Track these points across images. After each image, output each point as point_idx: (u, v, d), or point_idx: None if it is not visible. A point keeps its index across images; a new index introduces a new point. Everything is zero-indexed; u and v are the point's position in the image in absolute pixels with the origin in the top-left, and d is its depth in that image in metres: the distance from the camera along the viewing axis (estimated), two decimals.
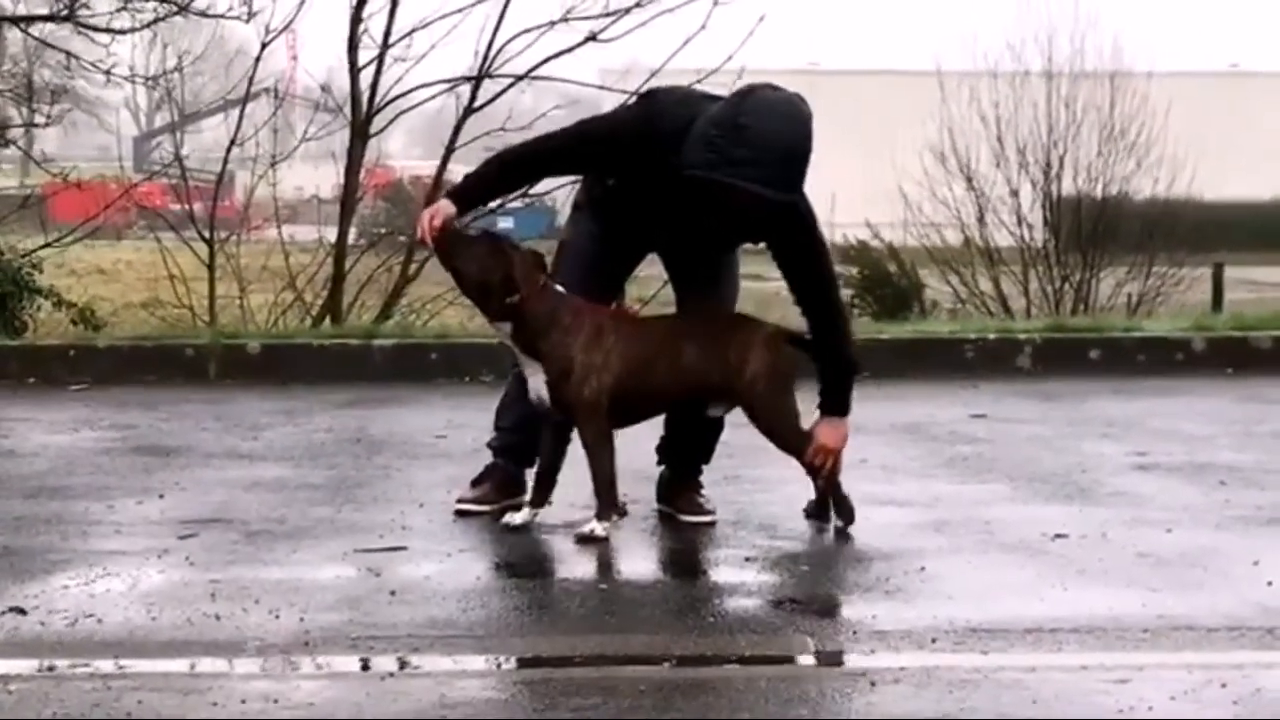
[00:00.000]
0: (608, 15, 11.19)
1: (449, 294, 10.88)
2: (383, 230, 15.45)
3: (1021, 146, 16.87)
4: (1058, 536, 5.38)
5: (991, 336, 9.75)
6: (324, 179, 15.99)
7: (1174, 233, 16.42)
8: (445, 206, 5.51)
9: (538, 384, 5.41)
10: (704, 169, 5.17)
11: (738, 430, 5.62)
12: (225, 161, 12.49)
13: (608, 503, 5.42)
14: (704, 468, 5.86)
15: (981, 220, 16.44)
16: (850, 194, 29.83)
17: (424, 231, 5.47)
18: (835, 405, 5.56)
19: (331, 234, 12.31)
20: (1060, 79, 17.37)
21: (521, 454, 5.83)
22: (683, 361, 5.40)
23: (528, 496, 5.63)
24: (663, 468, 5.88)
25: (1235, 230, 24.31)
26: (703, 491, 5.83)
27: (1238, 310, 11.82)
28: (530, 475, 5.71)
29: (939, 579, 4.89)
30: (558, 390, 5.37)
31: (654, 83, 11.41)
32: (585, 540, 5.35)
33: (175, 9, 11.77)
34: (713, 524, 5.67)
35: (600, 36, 11.03)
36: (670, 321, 5.73)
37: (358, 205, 12.86)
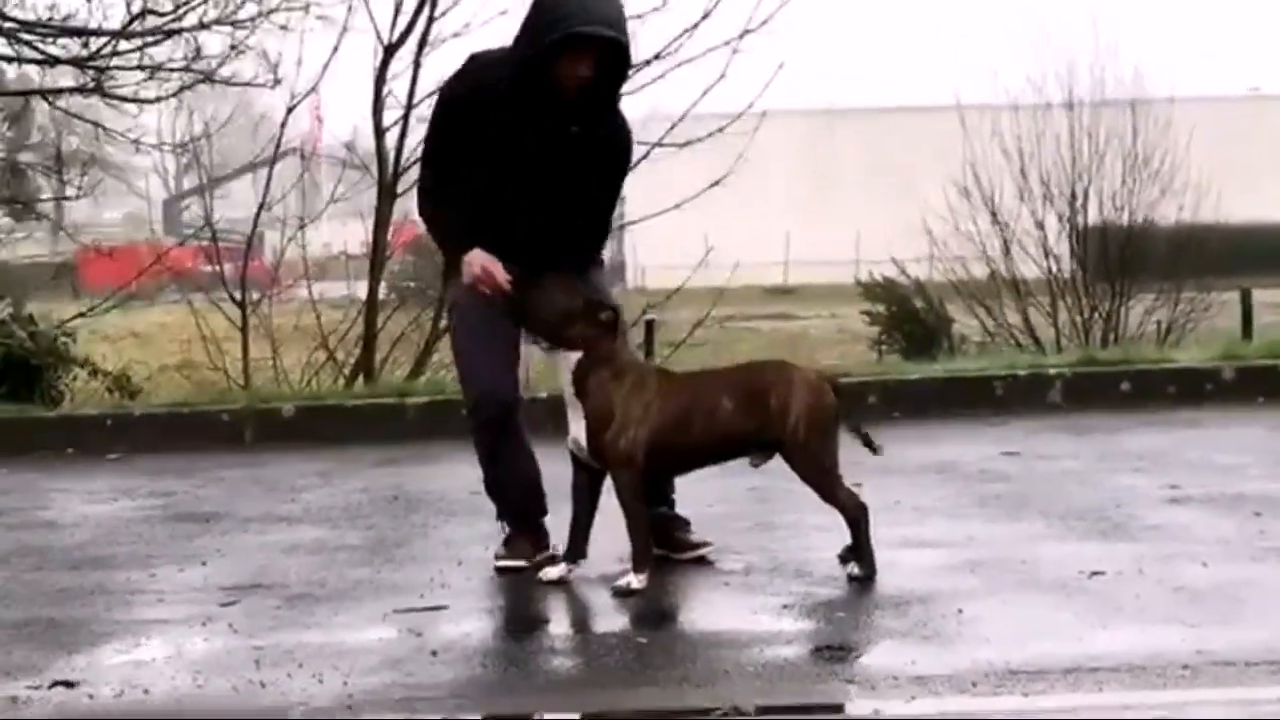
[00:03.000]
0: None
1: None
2: (411, 284, 15.53)
3: (1045, 178, 16.83)
4: (1094, 574, 5.39)
5: (1022, 373, 9.77)
6: (352, 235, 16.10)
7: (1201, 258, 16.37)
8: (481, 255, 5.66)
9: (578, 430, 5.48)
10: (532, 47, 5.49)
11: (771, 476, 5.65)
12: (255, 226, 12.59)
13: (644, 556, 5.47)
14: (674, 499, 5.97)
15: (1007, 253, 16.42)
16: (874, 231, 29.89)
17: (498, 284, 5.61)
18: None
19: (361, 289, 12.40)
20: (1082, 109, 17.34)
21: (536, 510, 5.96)
22: (720, 415, 5.45)
23: (562, 550, 5.67)
24: None
25: (1262, 252, 24.24)
26: (690, 527, 5.91)
27: (1268, 338, 11.79)
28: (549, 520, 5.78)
29: (977, 621, 4.91)
30: (596, 439, 5.43)
31: (676, 134, 11.63)
32: (622, 594, 5.39)
33: (201, 78, 11.89)
34: (709, 559, 5.79)
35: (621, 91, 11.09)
36: (709, 376, 5.81)
37: (388, 261, 12.93)
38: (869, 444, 5.63)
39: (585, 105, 5.62)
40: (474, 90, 5.74)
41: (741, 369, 5.76)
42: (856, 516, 5.49)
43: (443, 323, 11.89)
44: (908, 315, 15.96)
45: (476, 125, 5.71)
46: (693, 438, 5.48)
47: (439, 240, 5.99)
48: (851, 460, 5.63)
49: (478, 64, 5.81)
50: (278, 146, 12.78)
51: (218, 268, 12.64)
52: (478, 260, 5.68)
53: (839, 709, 4.25)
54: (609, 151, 5.78)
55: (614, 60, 5.59)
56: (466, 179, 5.80)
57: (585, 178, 5.73)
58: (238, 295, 12.22)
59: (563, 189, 5.71)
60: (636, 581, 5.42)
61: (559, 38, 5.45)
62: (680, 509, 6.04)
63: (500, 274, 5.64)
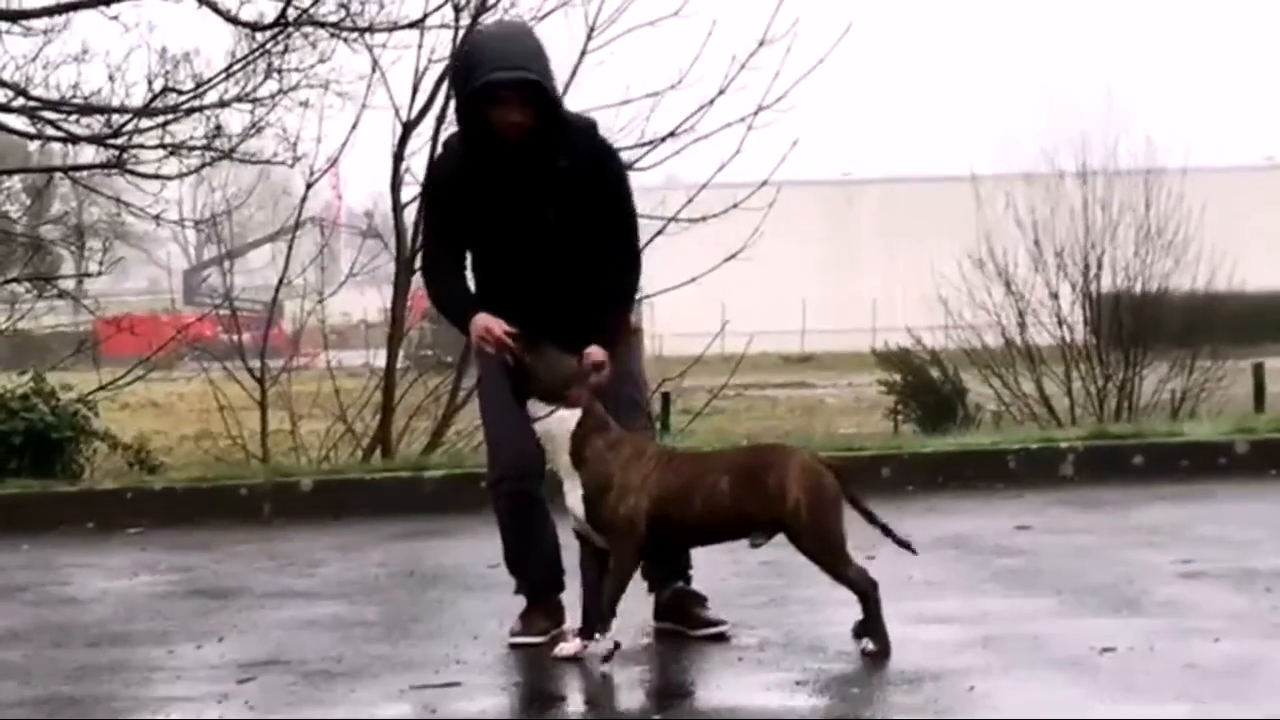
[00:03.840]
0: (642, 145, 11.38)
1: None
2: (429, 351, 15.60)
3: (1059, 249, 16.92)
4: (1105, 650, 5.41)
5: (1034, 446, 9.80)
6: (370, 303, 16.19)
7: (1215, 327, 16.41)
8: (484, 317, 5.71)
9: (574, 501, 5.53)
10: (460, 99, 5.71)
11: (786, 550, 5.68)
12: (275, 300, 12.69)
13: (602, 620, 5.51)
14: (692, 574, 5.99)
15: (1022, 323, 16.47)
16: (891, 299, 29.98)
17: (500, 339, 5.65)
18: (607, 339, 5.72)
19: (378, 358, 12.48)
20: (1095, 179, 17.44)
21: (553, 584, 5.99)
22: (718, 494, 5.50)
23: (576, 626, 5.71)
24: (655, 592, 6.00)
25: (1277, 321, 24.24)
26: (706, 603, 5.95)
27: None
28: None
29: (988, 698, 4.93)
30: (593, 507, 5.49)
31: (692, 207, 11.71)
32: (563, 658, 5.49)
33: (221, 155, 12.03)
34: (725, 635, 5.80)
35: (636, 166, 11.20)
36: (708, 456, 5.88)
37: (406, 335, 13.02)
38: (902, 544, 5.67)
39: (541, 145, 5.68)
40: (450, 169, 5.89)
41: (742, 450, 5.85)
42: (866, 592, 5.52)
43: (461, 394, 12.01)
44: (923, 385, 16.02)
45: (464, 202, 5.80)
46: (691, 514, 5.52)
47: (445, 314, 6.08)
48: (864, 534, 5.67)
49: (449, 145, 5.99)
50: (297, 222, 12.91)
51: (236, 338, 12.74)
52: (480, 322, 5.74)
53: None
54: (597, 171, 5.79)
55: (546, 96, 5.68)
56: (463, 255, 5.89)
57: (584, 211, 5.77)
58: (256, 366, 12.31)
59: (570, 229, 5.76)
60: (576, 647, 5.50)
61: (477, 89, 5.59)
62: (695, 582, 6.08)
63: (498, 329, 5.67)
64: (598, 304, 5.77)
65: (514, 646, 5.87)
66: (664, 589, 6.01)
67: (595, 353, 5.66)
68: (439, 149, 6.05)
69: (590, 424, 5.54)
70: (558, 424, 5.58)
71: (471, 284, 5.97)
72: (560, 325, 5.70)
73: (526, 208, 5.74)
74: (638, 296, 6.08)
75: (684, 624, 5.93)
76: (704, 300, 14.26)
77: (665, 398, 12.44)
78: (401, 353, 13.23)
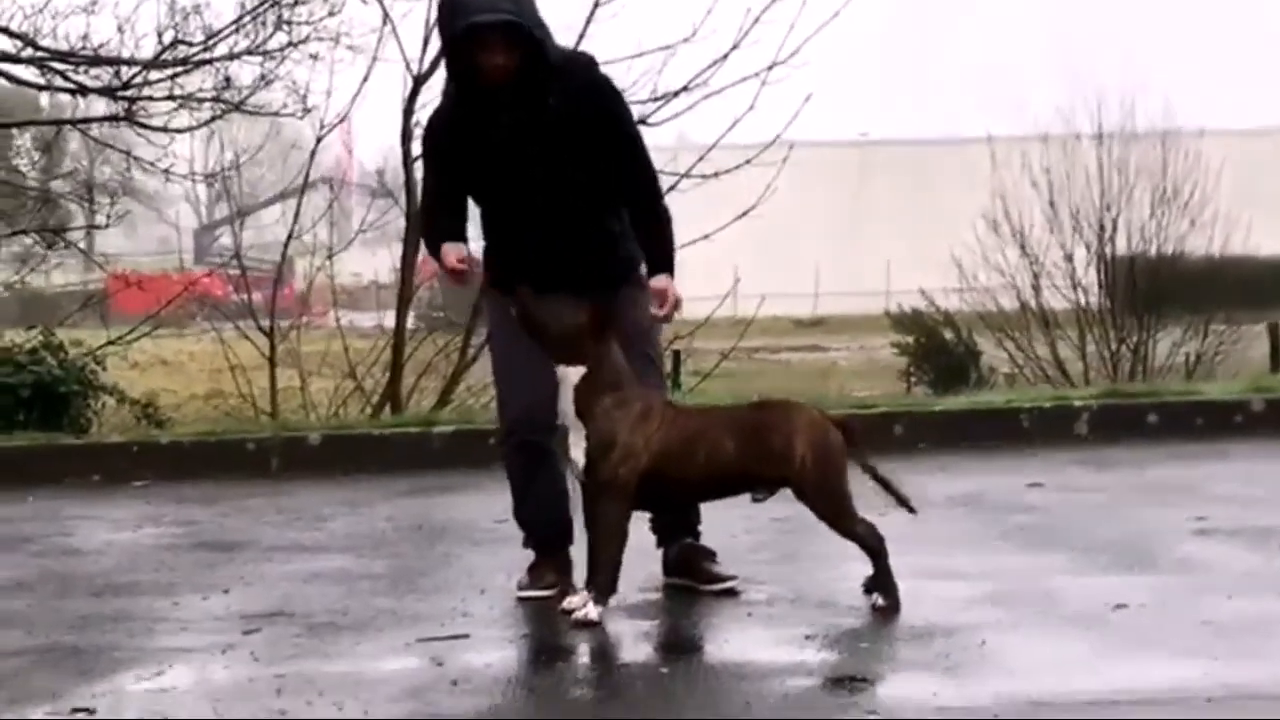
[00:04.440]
0: (656, 100, 11.30)
1: None
2: (440, 313, 15.56)
3: (1074, 210, 16.83)
4: (1118, 607, 5.36)
5: (1047, 405, 9.74)
6: (381, 264, 16.15)
7: (1229, 290, 16.34)
8: (451, 248, 5.73)
9: (578, 454, 5.48)
10: (445, 44, 5.67)
11: (795, 506, 5.62)
12: (284, 255, 12.65)
13: (607, 586, 5.45)
14: (701, 530, 5.96)
15: (1036, 286, 16.40)
16: (904, 262, 29.88)
17: (455, 270, 5.72)
18: (667, 264, 5.71)
19: (389, 318, 12.43)
20: (1111, 141, 17.34)
21: (562, 540, 5.95)
22: (723, 450, 5.44)
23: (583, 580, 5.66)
24: (664, 547, 5.95)
25: None
26: (715, 558, 5.90)
27: None
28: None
29: (999, 653, 4.88)
30: (594, 464, 5.43)
31: (704, 165, 11.63)
32: (580, 625, 5.38)
33: (231, 107, 11.97)
34: (735, 590, 5.75)
35: (649, 121, 11.12)
36: (715, 412, 5.83)
37: (416, 292, 12.97)
38: (903, 503, 5.61)
39: (530, 89, 5.61)
40: (445, 116, 5.84)
41: (747, 407, 5.79)
42: (875, 548, 5.48)
43: (470, 351, 11.97)
44: (937, 347, 15.98)
45: (459, 150, 5.76)
46: (694, 471, 5.46)
47: (428, 249, 6.04)
48: (877, 490, 5.61)
49: (447, 92, 5.89)
50: (306, 176, 12.84)
51: (246, 297, 12.70)
52: (448, 250, 5.74)
53: None
54: (592, 106, 5.69)
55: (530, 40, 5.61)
56: (457, 201, 5.85)
57: (591, 145, 5.69)
58: (265, 324, 12.27)
59: (563, 171, 5.69)
60: (595, 613, 5.40)
61: (459, 33, 5.52)
62: (705, 539, 6.04)
63: (451, 259, 5.70)
64: (648, 258, 5.72)
65: (522, 600, 5.83)
66: (672, 544, 5.97)
67: (662, 283, 5.62)
68: (441, 98, 5.96)
69: (598, 380, 5.47)
70: (564, 377, 5.53)
71: (481, 236, 5.92)
72: (562, 272, 5.64)
73: (514, 151, 5.67)
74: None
75: (693, 579, 5.88)
76: (716, 263, 14.19)
77: (676, 356, 12.39)
78: (413, 313, 13.20)
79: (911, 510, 5.64)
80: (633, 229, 5.78)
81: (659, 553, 5.97)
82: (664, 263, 5.73)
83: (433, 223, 5.94)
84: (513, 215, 5.76)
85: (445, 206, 5.88)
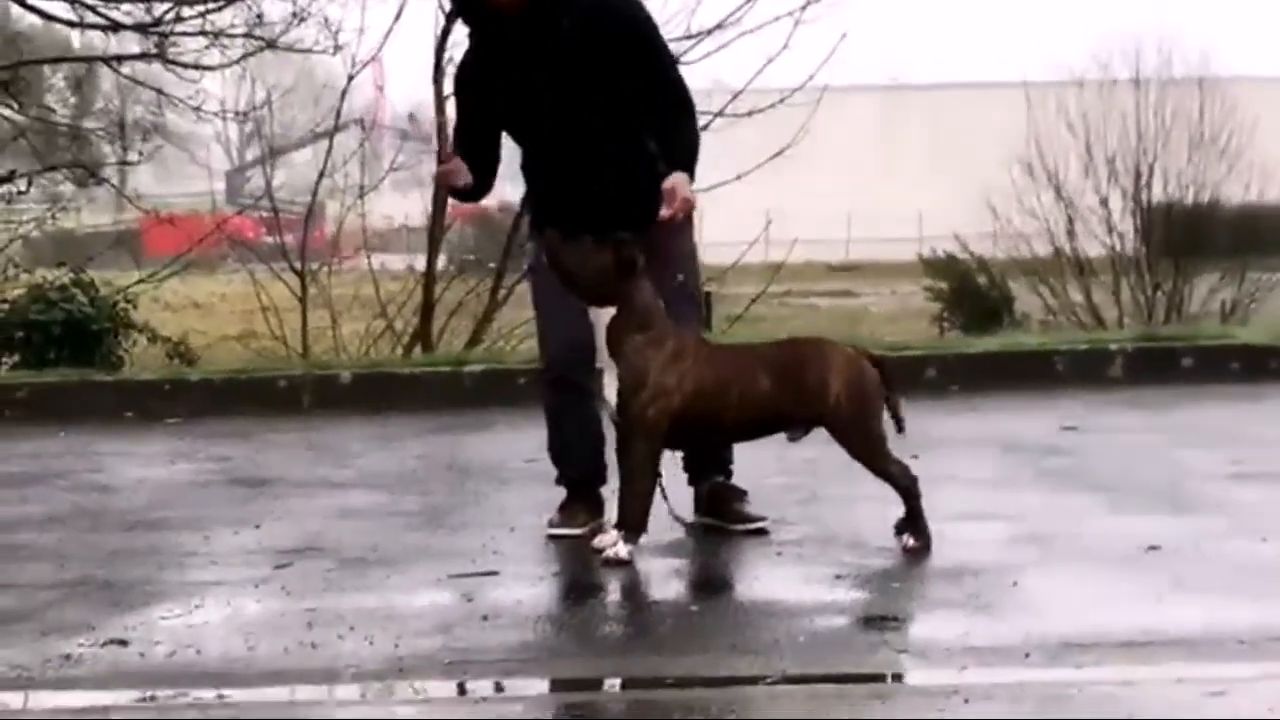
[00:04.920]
0: (689, 38, 11.24)
1: None
2: (471, 256, 15.56)
3: (1110, 155, 16.73)
4: (1151, 548, 5.33)
5: (1082, 347, 9.68)
6: (413, 207, 16.14)
7: (1267, 237, 16.23)
8: (457, 161, 5.77)
9: (611, 393, 5.46)
10: None
11: (827, 448, 5.60)
12: (315, 194, 12.64)
13: (637, 525, 5.43)
14: (733, 469, 5.94)
15: (1071, 231, 16.30)
16: (938, 208, 29.73)
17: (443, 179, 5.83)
18: (686, 168, 5.62)
19: (421, 261, 12.43)
20: (1148, 86, 17.21)
21: (595, 479, 5.94)
22: (757, 390, 5.41)
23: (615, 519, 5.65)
24: (695, 485, 5.93)
25: None
26: (746, 498, 5.87)
27: None
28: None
29: (1031, 593, 4.86)
30: (625, 403, 5.41)
31: (735, 104, 11.58)
32: (611, 563, 5.37)
33: (263, 44, 11.93)
34: (765, 530, 5.74)
35: (682, 59, 11.06)
36: (748, 350, 5.77)
37: (446, 233, 12.96)
38: (897, 418, 5.56)
39: (541, 11, 5.56)
40: (468, 56, 5.84)
41: (781, 345, 5.73)
42: (908, 487, 5.45)
43: (502, 292, 11.97)
44: (970, 292, 15.91)
45: (483, 82, 5.73)
46: (727, 410, 5.43)
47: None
48: (909, 432, 5.58)
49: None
50: (338, 115, 12.82)
51: (278, 237, 12.71)
52: (450, 163, 5.77)
53: (890, 679, 4.21)
54: (609, 20, 5.63)
55: None
56: (487, 135, 5.81)
57: (611, 65, 5.62)
58: (298, 265, 12.28)
59: (586, 115, 5.64)
60: (625, 552, 5.38)
61: None
62: (736, 479, 6.02)
63: (460, 174, 5.72)
64: (662, 154, 5.64)
65: (552, 538, 5.82)
66: (703, 483, 5.95)
67: (673, 180, 5.54)
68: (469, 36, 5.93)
69: (628, 320, 5.43)
70: (596, 318, 5.51)
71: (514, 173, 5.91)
72: (592, 203, 5.61)
73: (528, 79, 5.63)
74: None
75: (722, 519, 5.86)
76: (749, 207, 14.15)
77: (708, 298, 12.34)
78: (444, 256, 13.19)
79: (899, 429, 5.53)
80: (657, 135, 5.69)
81: (689, 491, 5.95)
82: (681, 161, 5.64)
83: (458, 149, 5.91)
84: (537, 146, 5.73)
85: (471, 146, 5.84)
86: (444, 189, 5.88)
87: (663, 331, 5.45)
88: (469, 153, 5.83)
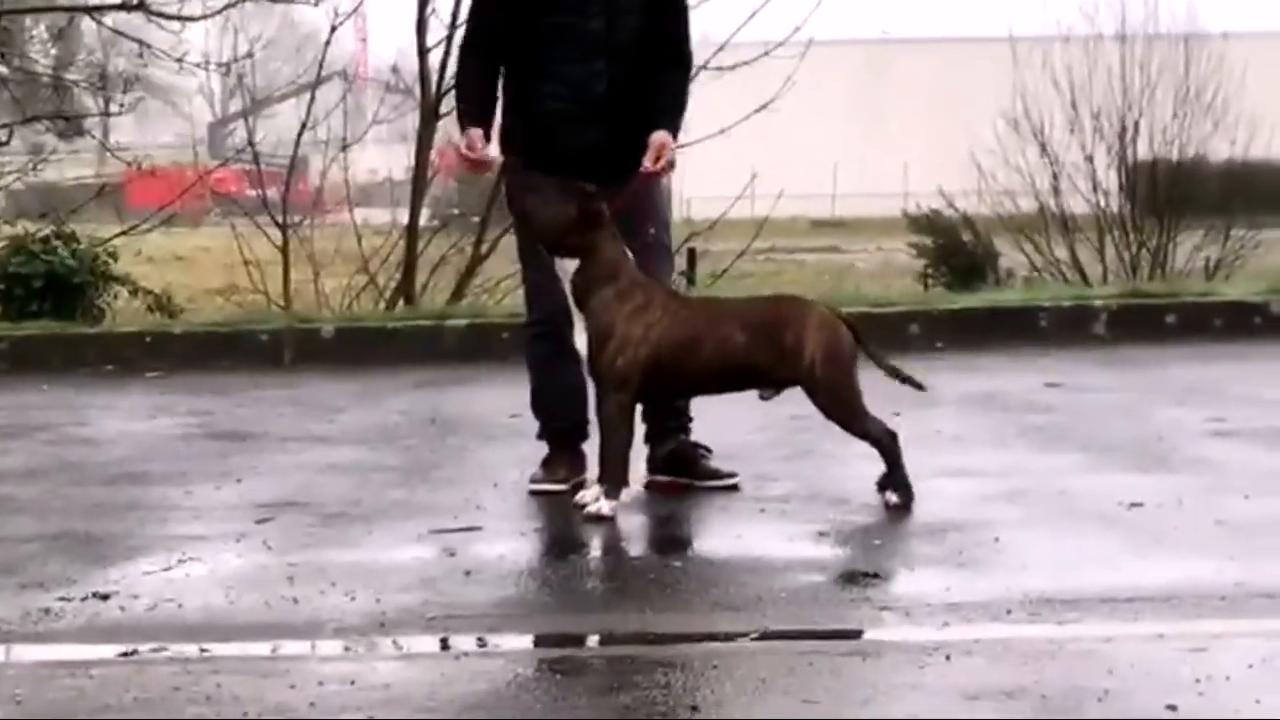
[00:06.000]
0: None
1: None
2: (455, 211, 15.50)
3: (1096, 111, 16.64)
4: (1134, 505, 5.34)
5: (1066, 304, 9.68)
6: (396, 161, 16.08)
7: (1252, 195, 16.19)
8: (475, 135, 5.67)
9: (582, 344, 5.45)
10: None
11: (810, 404, 5.59)
12: (297, 147, 12.57)
13: (617, 479, 5.43)
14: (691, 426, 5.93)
15: (1056, 187, 16.26)
16: (923, 162, 29.68)
17: (466, 158, 5.71)
18: (673, 126, 5.70)
19: (403, 215, 12.38)
20: (1134, 41, 17.13)
21: (576, 431, 5.93)
22: (731, 345, 5.40)
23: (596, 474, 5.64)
24: (655, 444, 5.91)
25: None
26: (711, 455, 5.87)
27: None
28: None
29: (1013, 550, 4.87)
30: (593, 356, 5.40)
31: (720, 57, 11.51)
32: (592, 519, 5.36)
33: None
34: (736, 487, 5.74)
35: None
36: (723, 304, 5.76)
37: (430, 187, 12.90)
38: (911, 382, 5.57)
39: None
40: None
41: (757, 301, 5.73)
42: (888, 445, 5.45)
43: (484, 246, 11.92)
44: (954, 248, 15.86)
45: None
46: (699, 364, 5.41)
47: (457, 100, 5.98)
48: (892, 390, 5.58)
49: None
50: (320, 66, 12.73)
51: (260, 191, 12.64)
52: (468, 135, 5.69)
53: (872, 635, 4.21)
54: None
55: None
56: (500, 50, 5.76)
57: (643, 11, 5.66)
58: (280, 218, 12.22)
59: (626, 29, 5.65)
60: (608, 508, 5.38)
61: None
62: (719, 436, 6.01)
63: (478, 145, 5.67)
64: (651, 103, 5.66)
65: (534, 493, 5.81)
66: (667, 441, 5.92)
67: (661, 136, 5.56)
68: None
69: (593, 272, 5.40)
70: (561, 268, 5.49)
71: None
72: (604, 114, 5.63)
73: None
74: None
75: (691, 476, 5.85)
76: (734, 163, 14.09)
77: (691, 254, 12.32)
78: (428, 210, 13.14)
79: (920, 387, 5.59)
80: (656, 85, 5.70)
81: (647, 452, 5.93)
82: (670, 116, 5.68)
83: (471, 82, 5.87)
84: (579, 42, 5.64)
85: (489, 57, 5.79)
86: (468, 165, 5.79)
87: (630, 284, 5.42)
88: (479, 68, 5.81)
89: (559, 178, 5.49)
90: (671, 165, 5.62)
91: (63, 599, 4.58)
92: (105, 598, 4.60)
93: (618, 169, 5.58)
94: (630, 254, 5.48)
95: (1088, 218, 16.18)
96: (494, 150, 5.85)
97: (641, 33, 5.67)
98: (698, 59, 11.04)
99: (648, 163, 5.55)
